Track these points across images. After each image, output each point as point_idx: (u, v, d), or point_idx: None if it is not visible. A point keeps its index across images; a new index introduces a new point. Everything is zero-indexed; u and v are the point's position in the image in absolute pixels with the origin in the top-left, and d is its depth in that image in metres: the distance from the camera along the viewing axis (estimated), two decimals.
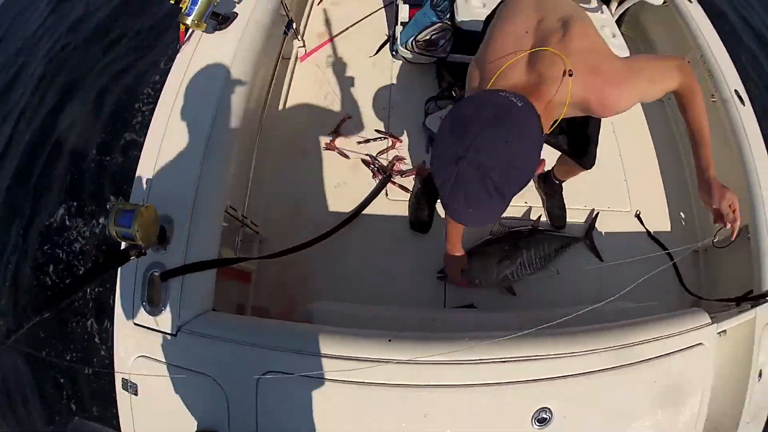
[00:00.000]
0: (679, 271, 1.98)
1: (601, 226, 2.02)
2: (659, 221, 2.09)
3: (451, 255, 1.62)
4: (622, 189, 2.11)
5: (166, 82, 1.33)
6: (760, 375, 1.48)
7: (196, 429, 1.03)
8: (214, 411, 1.02)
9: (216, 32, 1.39)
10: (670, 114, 2.31)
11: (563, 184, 1.90)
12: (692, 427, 1.31)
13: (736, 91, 1.82)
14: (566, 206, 1.96)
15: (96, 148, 2.70)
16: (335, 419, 1.00)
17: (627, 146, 2.17)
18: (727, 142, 1.77)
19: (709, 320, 1.35)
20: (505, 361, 1.05)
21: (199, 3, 1.28)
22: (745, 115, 1.77)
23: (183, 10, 1.29)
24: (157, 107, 1.29)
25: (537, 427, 1.07)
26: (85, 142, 2.72)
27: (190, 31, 1.37)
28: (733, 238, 1.14)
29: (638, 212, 2.05)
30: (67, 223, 2.49)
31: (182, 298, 1.07)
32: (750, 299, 1.55)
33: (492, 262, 1.70)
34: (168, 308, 1.07)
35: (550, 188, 1.90)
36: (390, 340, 1.01)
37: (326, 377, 0.98)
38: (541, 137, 0.82)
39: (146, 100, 2.82)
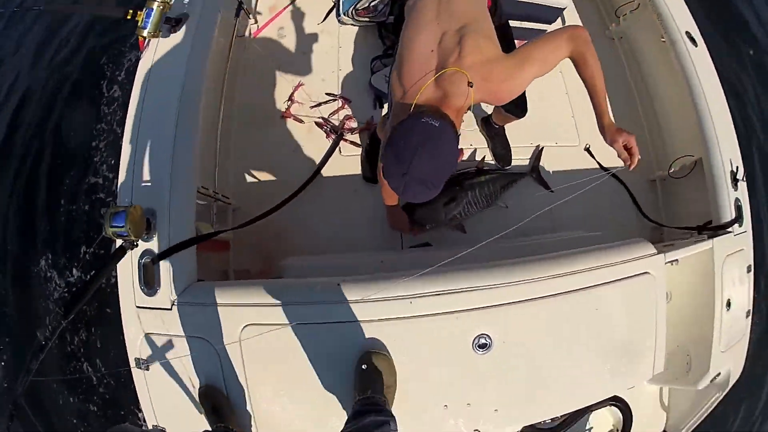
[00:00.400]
0: (635, 198, 2.07)
1: (550, 162, 2.13)
2: (611, 154, 2.13)
3: (392, 208, 1.81)
4: (569, 124, 2.19)
5: (132, 90, 1.45)
6: (728, 305, 1.59)
7: (199, 386, 1.23)
8: (211, 368, 1.21)
9: (170, 35, 1.50)
10: (620, 49, 2.35)
11: (505, 126, 2.02)
12: (650, 353, 1.43)
13: (687, 32, 1.87)
14: (512, 145, 2.09)
15: (61, 195, 2.65)
16: (303, 355, 1.19)
17: (573, 83, 2.21)
18: (677, 81, 1.85)
19: (654, 250, 1.45)
20: (441, 294, 1.21)
21: (153, 15, 1.40)
22: (697, 56, 1.83)
23: (139, 24, 1.41)
24: (127, 115, 1.43)
25: (479, 352, 1.23)
26: (48, 189, 2.68)
27: (148, 39, 1.50)
28: (631, 169, 1.33)
29: (588, 146, 2.12)
30: (44, 273, 2.51)
31: (172, 276, 1.25)
32: (709, 229, 1.66)
33: (439, 205, 1.86)
34: (161, 287, 1.25)
35: (491, 131, 2.04)
36: (339, 285, 1.20)
37: (294, 322, 1.17)
38: (457, 138, 1.12)
39: (102, 136, 2.74)
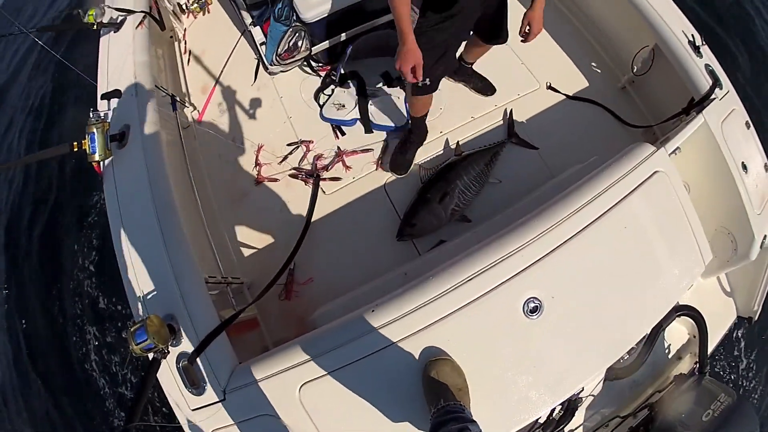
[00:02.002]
0: (613, 112, 2.10)
1: (521, 115, 2.15)
2: (574, 82, 2.21)
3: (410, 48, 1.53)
4: (522, 72, 2.22)
5: (108, 213, 1.51)
6: (744, 168, 1.60)
7: None
8: None
9: (121, 150, 1.56)
10: None
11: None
12: (693, 246, 1.43)
13: None
14: (477, 116, 2.14)
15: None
16: (368, 391, 1.19)
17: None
18: None
19: (654, 148, 1.47)
20: (473, 277, 1.22)
21: (96, 139, 1.49)
22: None
23: (88, 151, 1.49)
24: (113, 240, 1.48)
25: (532, 318, 1.22)
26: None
27: (102, 162, 1.55)
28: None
29: (549, 83, 2.15)
30: None
31: (214, 368, 1.27)
32: (694, 106, 1.68)
33: (434, 205, 1.88)
34: (208, 382, 1.27)
35: (465, 72, 2.12)
36: (373, 311, 1.21)
37: (345, 363, 1.18)
38: None
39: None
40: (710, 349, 1.67)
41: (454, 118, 2.16)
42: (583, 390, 1.39)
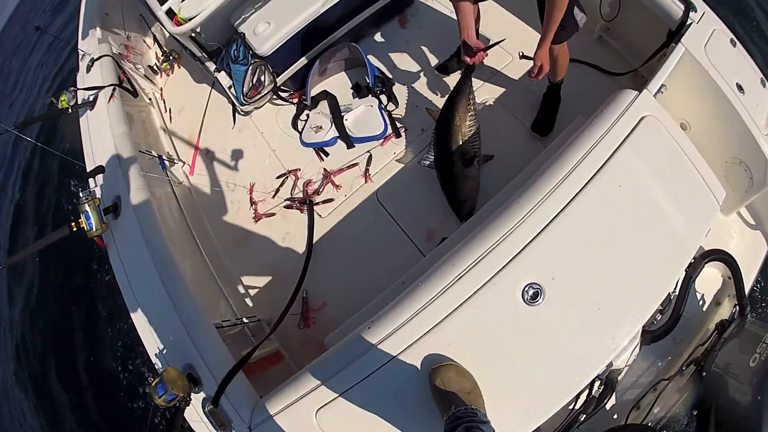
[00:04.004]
0: (594, 65, 2.04)
1: (500, 91, 2.16)
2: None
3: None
4: (493, 51, 2.15)
5: (117, 280, 1.62)
6: (740, 88, 1.50)
7: None
8: None
9: (117, 221, 1.67)
10: None
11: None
12: (703, 187, 1.34)
13: None
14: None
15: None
16: (380, 406, 1.20)
17: None
18: None
19: (635, 92, 1.39)
20: (464, 273, 1.19)
21: (91, 215, 1.60)
22: None
23: (85, 228, 1.61)
24: (126, 304, 1.58)
25: (537, 303, 1.17)
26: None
27: (102, 234, 1.66)
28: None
29: (521, 53, 2.10)
30: None
31: (237, 408, 1.33)
32: (672, 36, 1.59)
33: (462, 170, 1.88)
34: (234, 422, 1.32)
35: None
36: (369, 327, 1.22)
37: (352, 383, 1.20)
38: None
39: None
40: (747, 288, 1.57)
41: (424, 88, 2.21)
42: (612, 363, 1.33)
